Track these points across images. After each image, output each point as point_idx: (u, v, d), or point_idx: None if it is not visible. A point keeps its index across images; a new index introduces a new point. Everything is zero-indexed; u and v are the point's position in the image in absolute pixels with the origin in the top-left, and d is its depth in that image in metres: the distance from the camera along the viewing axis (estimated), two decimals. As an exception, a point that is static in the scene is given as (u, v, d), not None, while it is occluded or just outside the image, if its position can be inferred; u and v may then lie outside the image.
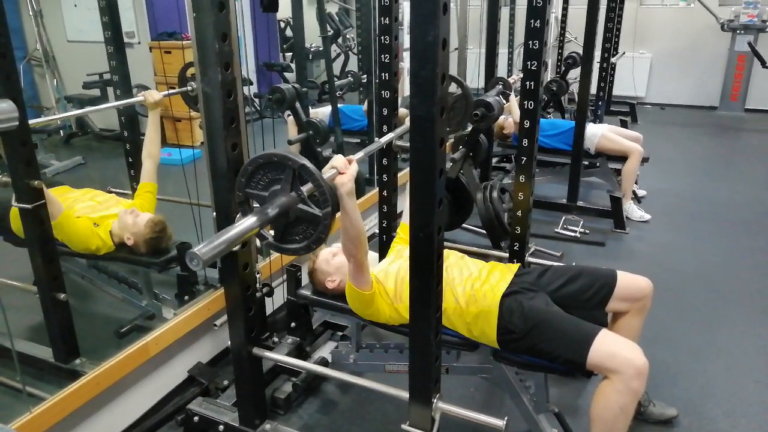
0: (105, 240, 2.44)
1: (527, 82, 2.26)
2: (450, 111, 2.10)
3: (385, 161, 2.55)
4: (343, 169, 1.50)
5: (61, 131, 5.57)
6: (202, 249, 1.01)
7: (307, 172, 1.17)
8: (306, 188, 1.24)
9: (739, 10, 7.16)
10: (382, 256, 2.37)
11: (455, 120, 2.15)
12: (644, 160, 4.13)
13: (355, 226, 1.65)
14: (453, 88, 2.22)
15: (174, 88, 2.83)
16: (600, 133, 4.14)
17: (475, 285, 1.89)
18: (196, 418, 2.04)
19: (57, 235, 2.12)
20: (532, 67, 2.23)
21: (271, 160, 1.19)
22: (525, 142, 2.32)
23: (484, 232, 3.09)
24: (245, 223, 1.12)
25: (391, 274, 1.97)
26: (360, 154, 1.68)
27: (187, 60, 4.77)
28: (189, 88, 2.76)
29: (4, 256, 2.36)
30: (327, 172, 1.43)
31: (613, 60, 5.79)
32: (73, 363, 2.10)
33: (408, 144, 1.28)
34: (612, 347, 1.67)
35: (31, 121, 1.97)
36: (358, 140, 4.40)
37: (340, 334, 2.59)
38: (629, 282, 1.97)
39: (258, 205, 1.26)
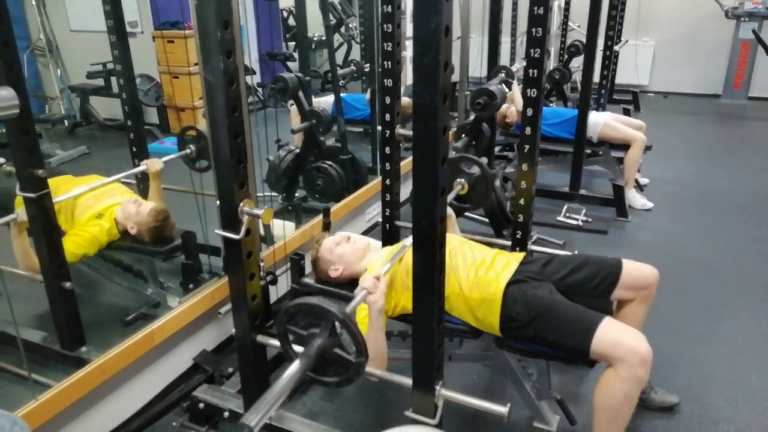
0: (110, 230, 2.45)
1: (530, 70, 2.25)
2: (472, 190, 2.26)
3: (387, 150, 2.54)
4: (372, 289, 1.58)
5: (65, 121, 5.56)
6: (253, 420, 1.05)
7: (349, 329, 1.24)
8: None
9: (744, -3, 7.11)
10: (385, 245, 2.37)
11: (478, 197, 2.26)
12: (647, 148, 4.12)
13: (379, 347, 1.71)
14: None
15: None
16: (603, 122, 4.12)
17: (479, 271, 1.90)
18: (201, 405, 2.06)
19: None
20: (535, 55, 2.22)
21: (311, 309, 1.25)
22: (528, 130, 2.32)
23: (487, 220, 3.09)
24: (291, 372, 1.17)
25: (395, 270, 1.97)
26: (387, 266, 1.74)
27: (190, 50, 4.79)
28: (188, 150, 2.78)
29: (10, 245, 2.37)
30: (358, 294, 1.51)
31: (616, 48, 5.76)
32: (78, 351, 2.11)
33: (411, 132, 1.28)
34: (616, 335, 1.67)
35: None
36: (361, 129, 4.39)
37: (344, 322, 2.59)
38: (635, 270, 1.97)
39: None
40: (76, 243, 2.37)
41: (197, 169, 2.76)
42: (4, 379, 2.15)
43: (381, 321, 1.68)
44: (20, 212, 2.46)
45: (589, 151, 4.19)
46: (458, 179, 2.22)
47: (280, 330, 1.30)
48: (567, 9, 6.23)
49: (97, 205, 2.52)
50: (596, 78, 4.63)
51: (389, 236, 2.59)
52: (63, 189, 2.55)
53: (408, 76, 4.06)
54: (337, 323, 1.25)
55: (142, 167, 2.69)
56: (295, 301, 1.26)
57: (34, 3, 5.39)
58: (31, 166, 1.89)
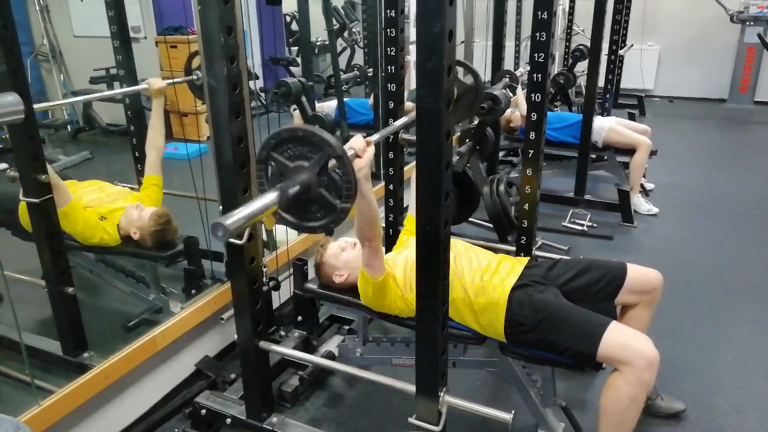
0: (111, 234, 2.44)
1: (534, 75, 2.25)
2: (457, 101, 2.05)
3: (391, 155, 2.54)
4: (361, 152, 1.49)
5: (68, 126, 5.58)
6: (228, 220, 1.00)
7: (343, 163, 1.13)
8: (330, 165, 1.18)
9: (749, 1, 7.08)
10: (388, 250, 2.36)
11: (461, 110, 2.08)
12: (652, 153, 4.10)
13: (372, 209, 1.67)
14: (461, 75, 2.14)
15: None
16: (608, 126, 4.11)
17: (485, 276, 1.89)
18: (203, 411, 2.05)
19: (62, 226, 2.12)
20: (540, 60, 2.22)
21: (309, 137, 1.13)
22: (532, 135, 2.31)
23: (491, 225, 3.07)
24: (268, 197, 1.10)
25: (399, 264, 1.96)
26: (376, 137, 1.67)
27: (193, 54, 4.80)
28: (194, 77, 2.74)
29: (13, 251, 2.37)
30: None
31: (621, 52, 5.76)
32: (81, 356, 2.10)
33: (414, 137, 1.26)
34: (623, 339, 1.66)
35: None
36: (365, 134, 4.37)
37: (347, 327, 2.59)
38: (639, 274, 1.96)
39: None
40: (84, 217, 2.37)
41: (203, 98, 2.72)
42: (7, 384, 2.15)
43: (369, 185, 1.64)
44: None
45: (594, 156, 4.18)
46: None
47: (262, 156, 1.16)
48: (571, 13, 6.23)
49: (100, 208, 2.51)
50: (601, 82, 4.62)
51: (393, 241, 2.59)
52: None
53: (411, 81, 4.06)
54: (335, 159, 1.11)
55: (143, 85, 2.64)
56: (292, 126, 1.13)
57: (37, 9, 5.43)
58: (35, 172, 1.88)
